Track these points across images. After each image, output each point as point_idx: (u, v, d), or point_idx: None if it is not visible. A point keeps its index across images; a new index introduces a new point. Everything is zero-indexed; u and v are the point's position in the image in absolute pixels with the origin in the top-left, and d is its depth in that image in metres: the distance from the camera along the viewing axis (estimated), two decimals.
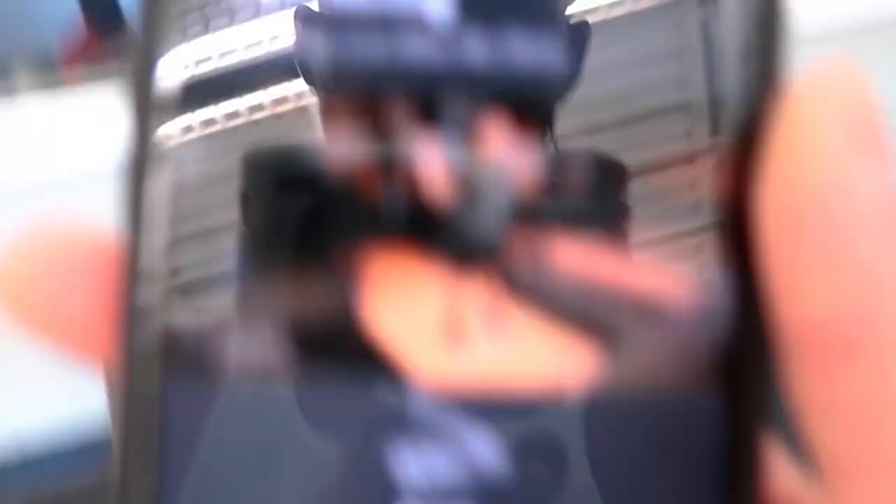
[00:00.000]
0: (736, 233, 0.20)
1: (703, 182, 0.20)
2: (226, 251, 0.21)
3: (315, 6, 0.21)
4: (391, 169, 0.21)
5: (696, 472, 0.21)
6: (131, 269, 0.21)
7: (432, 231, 0.21)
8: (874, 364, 0.18)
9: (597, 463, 0.21)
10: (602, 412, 0.21)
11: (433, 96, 0.21)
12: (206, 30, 0.21)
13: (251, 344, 0.21)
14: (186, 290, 0.21)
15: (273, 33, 0.21)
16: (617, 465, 0.21)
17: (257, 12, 0.21)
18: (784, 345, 0.19)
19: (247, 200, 0.21)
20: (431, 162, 0.21)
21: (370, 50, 0.20)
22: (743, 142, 0.20)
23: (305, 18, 0.21)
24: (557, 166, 0.21)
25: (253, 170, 0.21)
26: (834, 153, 0.18)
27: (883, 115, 0.18)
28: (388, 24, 0.20)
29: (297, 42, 0.21)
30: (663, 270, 0.21)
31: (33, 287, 0.20)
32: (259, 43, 0.21)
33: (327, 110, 0.21)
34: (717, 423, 0.21)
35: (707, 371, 0.21)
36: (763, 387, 0.21)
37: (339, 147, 0.21)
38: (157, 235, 0.21)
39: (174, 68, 0.21)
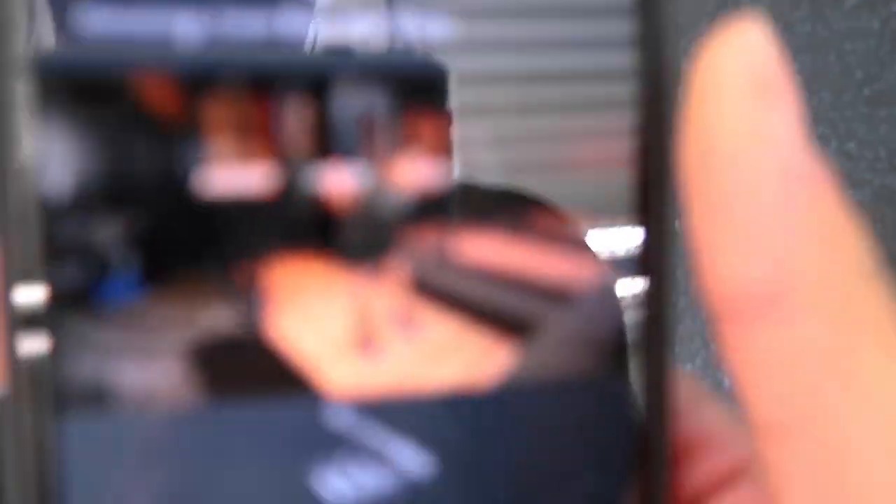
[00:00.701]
0: (660, 200, 0.20)
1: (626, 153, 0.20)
2: (110, 269, 0.19)
3: None
4: (286, 175, 0.20)
5: (608, 455, 0.21)
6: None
7: (331, 238, 0.20)
8: (788, 316, 0.18)
9: (515, 452, 0.20)
10: (517, 402, 0.20)
11: (322, 86, 0.20)
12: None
13: (150, 370, 0.19)
14: (68, 316, 0.19)
15: None
16: (535, 452, 0.21)
17: None
18: (710, 305, 0.19)
19: (135, 216, 0.20)
20: (327, 166, 0.20)
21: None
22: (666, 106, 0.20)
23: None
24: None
25: (131, 188, 0.20)
26: (738, 104, 0.18)
27: (786, 65, 0.18)
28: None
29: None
30: (571, 256, 0.21)
31: None
32: None
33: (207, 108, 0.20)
34: (629, 405, 0.21)
35: (616, 353, 0.21)
36: (669, 364, 0.21)
37: (226, 154, 0.20)
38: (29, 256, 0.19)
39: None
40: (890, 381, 0.18)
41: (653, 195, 0.20)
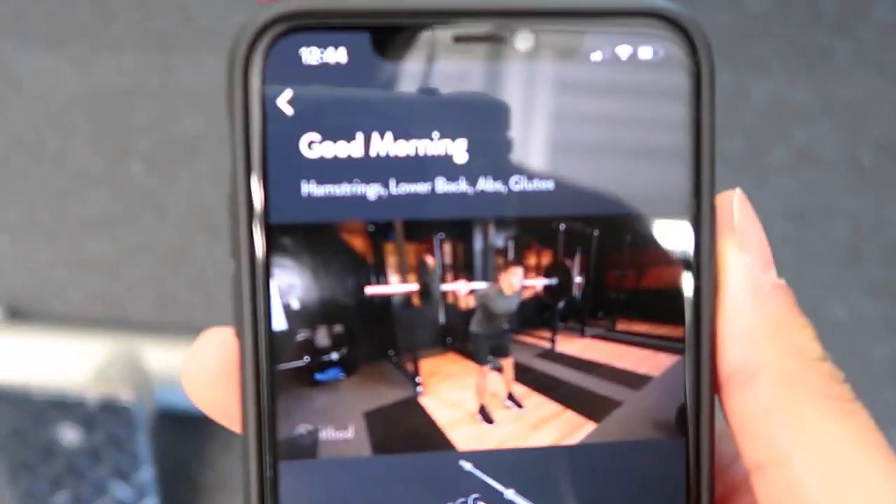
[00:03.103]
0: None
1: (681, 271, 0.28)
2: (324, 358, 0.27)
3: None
4: (436, 293, 0.27)
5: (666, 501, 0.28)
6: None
7: (465, 339, 0.28)
8: (759, 388, 0.26)
9: (589, 497, 0.28)
10: (593, 459, 0.28)
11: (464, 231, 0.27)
12: None
13: (343, 429, 0.27)
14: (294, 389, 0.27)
15: None
16: (607, 497, 0.28)
17: None
18: (715, 383, 0.28)
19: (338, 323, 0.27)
20: (461, 288, 0.27)
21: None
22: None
23: None
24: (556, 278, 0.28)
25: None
26: (722, 249, 0.28)
27: (755, 224, 0.27)
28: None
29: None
30: (639, 353, 0.28)
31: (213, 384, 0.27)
32: None
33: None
34: (682, 462, 0.28)
35: (672, 422, 0.28)
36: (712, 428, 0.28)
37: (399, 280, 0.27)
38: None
39: None
40: (826, 433, 0.26)
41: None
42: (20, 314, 0.97)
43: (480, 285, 0.28)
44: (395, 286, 0.27)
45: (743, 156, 1.00)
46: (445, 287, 0.28)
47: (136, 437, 0.87)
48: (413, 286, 0.27)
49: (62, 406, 0.87)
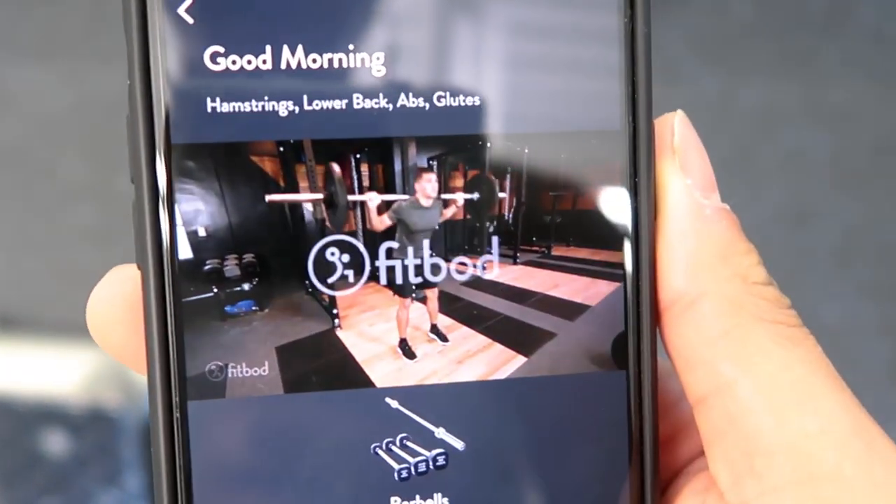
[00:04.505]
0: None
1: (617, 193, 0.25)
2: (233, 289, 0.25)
3: None
4: (343, 206, 0.25)
5: (605, 440, 0.26)
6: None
7: (387, 272, 0.25)
8: (700, 315, 0.24)
9: (521, 432, 0.25)
10: (529, 395, 0.25)
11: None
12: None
13: (253, 364, 0.25)
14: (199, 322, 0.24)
15: None
16: (539, 432, 0.25)
17: None
18: (654, 310, 0.25)
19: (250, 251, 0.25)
20: (372, 198, 0.25)
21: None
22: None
23: None
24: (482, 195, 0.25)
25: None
26: (661, 171, 0.25)
27: (697, 146, 0.25)
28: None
29: None
30: (575, 281, 0.26)
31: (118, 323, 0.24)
32: None
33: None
34: (623, 396, 0.26)
35: (609, 355, 0.26)
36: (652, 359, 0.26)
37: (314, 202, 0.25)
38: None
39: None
40: (772, 359, 0.24)
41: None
42: (9, 323, 0.95)
43: (393, 196, 0.25)
44: (300, 195, 0.25)
45: (731, 159, 0.98)
46: (353, 198, 0.25)
47: (123, 444, 0.85)
48: (319, 195, 0.25)
49: (49, 414, 0.85)
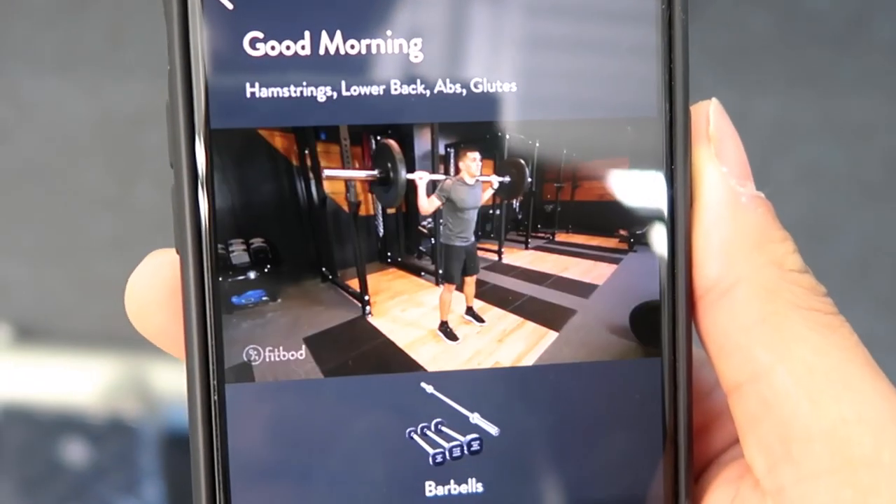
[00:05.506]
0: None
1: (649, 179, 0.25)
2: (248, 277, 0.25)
3: None
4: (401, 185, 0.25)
5: (640, 428, 0.26)
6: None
7: (419, 254, 0.25)
8: (735, 302, 0.24)
9: (560, 420, 0.25)
10: (563, 380, 0.25)
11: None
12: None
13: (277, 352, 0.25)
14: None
15: None
16: (572, 417, 0.25)
17: None
18: (690, 298, 0.25)
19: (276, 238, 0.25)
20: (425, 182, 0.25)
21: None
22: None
23: None
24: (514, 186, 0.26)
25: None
26: (697, 158, 0.25)
27: (732, 134, 0.25)
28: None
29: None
30: (599, 265, 0.26)
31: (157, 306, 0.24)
32: None
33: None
34: (655, 383, 0.25)
35: (626, 326, 0.26)
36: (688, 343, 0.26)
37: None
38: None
39: None
40: (808, 346, 0.24)
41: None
42: (30, 334, 0.95)
43: (440, 177, 0.25)
44: (354, 172, 0.25)
45: None
46: (409, 176, 0.25)
47: (142, 453, 0.85)
48: (373, 172, 0.25)
49: (69, 423, 0.85)
